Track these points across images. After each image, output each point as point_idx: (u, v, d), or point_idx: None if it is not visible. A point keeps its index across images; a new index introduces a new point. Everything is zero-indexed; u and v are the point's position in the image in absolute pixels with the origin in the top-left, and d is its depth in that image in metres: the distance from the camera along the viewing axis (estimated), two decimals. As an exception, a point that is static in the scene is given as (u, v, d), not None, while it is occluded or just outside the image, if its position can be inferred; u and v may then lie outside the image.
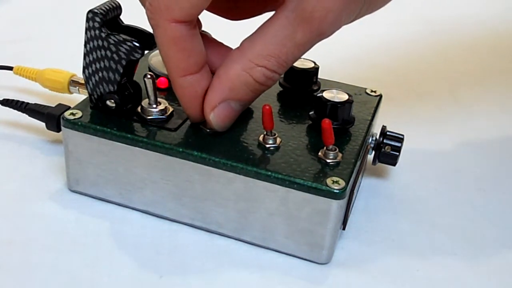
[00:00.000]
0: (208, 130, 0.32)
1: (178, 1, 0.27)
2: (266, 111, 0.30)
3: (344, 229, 0.32)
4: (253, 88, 0.30)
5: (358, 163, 0.32)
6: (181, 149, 0.30)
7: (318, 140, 0.32)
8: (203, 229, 0.32)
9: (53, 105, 0.37)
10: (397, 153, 0.36)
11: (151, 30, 0.32)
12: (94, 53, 0.32)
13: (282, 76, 0.38)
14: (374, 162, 0.37)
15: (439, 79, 0.53)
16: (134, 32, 0.32)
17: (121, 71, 0.31)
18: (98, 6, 0.31)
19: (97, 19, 0.30)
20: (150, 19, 0.29)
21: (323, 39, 0.29)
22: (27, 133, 0.40)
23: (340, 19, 0.29)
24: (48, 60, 0.43)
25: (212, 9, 0.33)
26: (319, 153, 0.31)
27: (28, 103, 0.38)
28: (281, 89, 0.37)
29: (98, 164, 0.33)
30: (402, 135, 0.36)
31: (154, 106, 0.32)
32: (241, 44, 0.30)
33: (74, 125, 0.32)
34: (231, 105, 0.31)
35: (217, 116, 0.31)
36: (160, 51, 0.30)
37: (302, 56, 0.37)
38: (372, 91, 0.38)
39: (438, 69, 0.55)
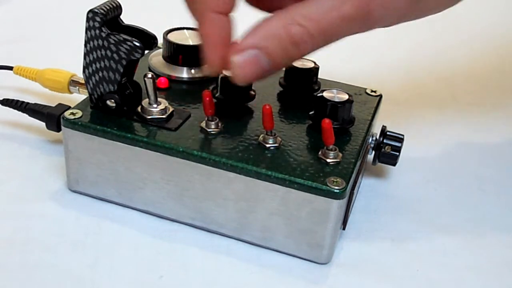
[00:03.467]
0: (210, 131, 0.32)
1: None
2: (266, 111, 0.30)
3: (344, 229, 0.32)
4: (286, 46, 0.29)
5: (358, 163, 0.32)
6: (181, 149, 0.30)
7: (318, 140, 0.32)
8: (203, 229, 0.32)
9: (53, 105, 0.37)
10: (397, 153, 0.36)
11: (151, 30, 0.33)
12: (94, 52, 0.32)
13: (282, 76, 0.38)
14: (374, 162, 0.37)
15: (439, 79, 0.53)
16: (134, 32, 0.32)
17: (121, 71, 0.31)
18: (98, 6, 0.31)
19: (97, 18, 0.30)
20: None
21: (369, 23, 0.29)
22: (27, 133, 0.40)
23: (389, 12, 0.29)
24: (48, 60, 0.43)
25: None
26: (319, 153, 0.31)
27: (28, 103, 0.38)
28: (281, 89, 0.37)
29: (98, 164, 0.33)
30: (402, 135, 0.36)
31: (154, 106, 0.32)
32: (287, 7, 0.29)
33: (74, 125, 0.32)
34: (258, 56, 0.29)
35: (241, 61, 0.29)
36: None
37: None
38: (372, 91, 0.38)
39: (438, 69, 0.55)
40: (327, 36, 0.29)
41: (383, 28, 0.30)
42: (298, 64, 0.37)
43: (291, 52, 0.29)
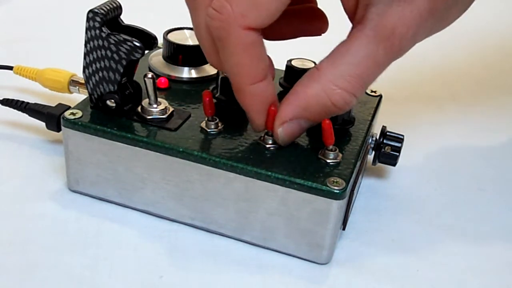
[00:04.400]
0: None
1: (255, 9, 0.27)
2: (271, 112, 0.30)
3: (344, 229, 0.32)
4: (328, 111, 0.29)
5: (358, 163, 0.32)
6: (181, 149, 0.30)
7: (318, 140, 0.32)
8: (203, 229, 0.32)
9: (53, 105, 0.37)
10: (397, 153, 0.36)
11: (151, 30, 0.33)
12: (94, 52, 0.32)
13: (282, 76, 0.38)
14: (374, 162, 0.37)
15: (439, 79, 0.53)
16: (135, 32, 0.32)
17: (121, 71, 0.31)
18: (98, 6, 0.31)
19: (98, 18, 0.30)
20: (218, 28, 0.28)
21: (399, 57, 0.29)
22: (27, 133, 0.40)
23: (417, 35, 0.28)
24: (48, 60, 0.43)
25: None
26: (319, 153, 0.31)
27: (28, 103, 0.38)
28: (281, 89, 0.37)
29: (98, 164, 0.33)
30: (402, 135, 0.36)
31: (154, 106, 0.32)
32: (319, 64, 0.29)
33: (74, 125, 0.32)
34: (300, 123, 0.30)
35: (285, 131, 0.30)
36: (228, 60, 0.29)
37: (302, 56, 0.38)
38: (372, 91, 0.38)
39: (438, 69, 0.55)
40: (367, 84, 0.29)
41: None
42: (298, 64, 0.37)
43: (334, 112, 0.30)
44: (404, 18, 0.27)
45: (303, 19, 0.33)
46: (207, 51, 0.30)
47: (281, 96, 0.37)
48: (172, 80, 0.37)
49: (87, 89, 0.33)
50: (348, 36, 0.29)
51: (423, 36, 0.29)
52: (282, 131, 0.30)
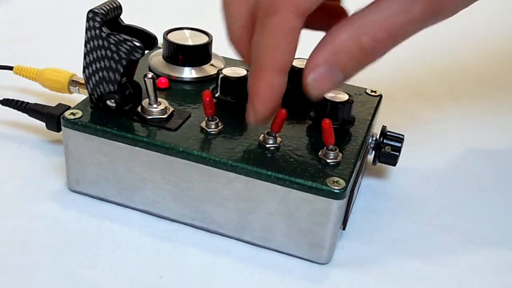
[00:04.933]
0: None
1: None
2: (280, 115, 0.30)
3: (344, 229, 0.32)
4: (357, 57, 0.28)
5: (358, 163, 0.32)
6: (181, 149, 0.30)
7: (318, 140, 0.32)
8: (203, 229, 0.32)
9: (53, 105, 0.37)
10: (397, 153, 0.36)
11: (151, 30, 0.33)
12: (94, 52, 0.32)
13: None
14: (374, 162, 0.37)
15: (439, 79, 0.53)
16: (135, 32, 0.32)
17: (122, 70, 0.31)
18: (98, 6, 0.31)
19: (98, 18, 0.30)
20: (268, 6, 0.27)
21: (438, 19, 0.28)
22: (27, 133, 0.40)
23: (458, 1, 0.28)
24: (48, 60, 0.43)
25: None
26: (319, 153, 0.31)
27: (28, 103, 0.38)
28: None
29: (98, 164, 0.33)
30: (402, 135, 0.36)
31: (154, 106, 0.32)
32: (350, 16, 0.29)
33: (74, 125, 0.32)
34: (332, 71, 0.29)
35: (317, 77, 0.28)
36: (263, 41, 0.28)
37: (302, 56, 0.38)
38: (372, 91, 0.38)
39: (438, 69, 0.55)
40: (396, 39, 0.28)
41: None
42: (298, 64, 0.37)
43: (364, 61, 0.29)
44: None
45: (330, 14, 0.33)
46: (239, 25, 0.30)
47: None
48: (172, 80, 0.37)
49: (87, 89, 0.33)
50: None
51: (463, 5, 0.29)
52: (313, 78, 0.28)
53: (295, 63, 0.37)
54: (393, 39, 0.28)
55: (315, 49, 0.29)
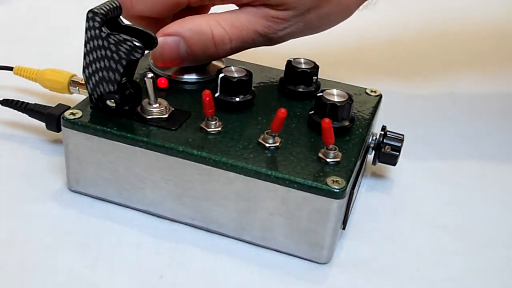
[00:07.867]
0: (210, 131, 0.32)
1: None
2: (281, 115, 0.30)
3: (344, 229, 0.32)
4: (206, 42, 0.34)
5: (358, 162, 0.32)
6: (181, 149, 0.30)
7: (318, 140, 0.32)
8: (203, 229, 0.32)
9: (53, 105, 0.37)
10: (397, 153, 0.36)
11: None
12: (94, 52, 0.32)
13: (282, 76, 0.38)
14: (374, 162, 0.37)
15: (439, 79, 0.53)
16: (134, 32, 0.32)
17: (121, 70, 0.31)
18: (98, 6, 0.31)
19: (97, 18, 0.30)
20: None
21: (273, 43, 0.37)
22: (27, 133, 0.40)
23: (289, 32, 0.37)
24: (48, 60, 0.43)
25: None
26: (319, 153, 0.31)
27: (28, 103, 0.38)
28: (281, 88, 0.37)
29: (98, 164, 0.33)
30: (402, 135, 0.36)
31: (154, 106, 0.32)
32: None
33: (74, 125, 0.32)
34: (180, 43, 0.34)
35: (163, 42, 0.34)
36: None
37: (302, 56, 0.38)
38: (372, 91, 0.38)
39: (438, 69, 0.55)
40: (243, 43, 0.35)
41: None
42: (298, 64, 0.37)
43: (210, 49, 0.35)
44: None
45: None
46: None
47: (281, 95, 0.37)
48: (172, 80, 0.37)
49: (87, 89, 0.33)
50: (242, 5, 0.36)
51: (295, 36, 0.37)
52: (160, 40, 0.33)
53: (295, 63, 0.37)
54: (240, 41, 0.35)
55: (175, 22, 0.35)
